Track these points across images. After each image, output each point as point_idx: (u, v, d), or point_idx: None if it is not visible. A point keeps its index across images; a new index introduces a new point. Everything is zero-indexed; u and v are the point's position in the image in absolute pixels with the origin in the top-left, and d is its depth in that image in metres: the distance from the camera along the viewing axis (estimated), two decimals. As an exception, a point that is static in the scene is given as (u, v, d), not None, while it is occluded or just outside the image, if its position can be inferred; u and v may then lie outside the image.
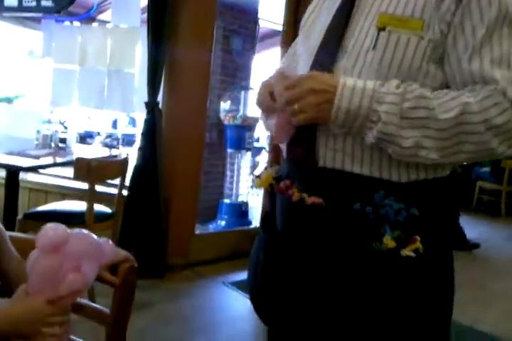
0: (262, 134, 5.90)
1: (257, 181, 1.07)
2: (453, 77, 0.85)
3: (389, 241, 0.82)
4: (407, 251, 0.83)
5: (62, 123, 4.02)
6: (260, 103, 0.99)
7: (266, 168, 1.10)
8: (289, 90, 0.85)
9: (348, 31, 0.91)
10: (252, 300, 1.09)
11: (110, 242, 0.92)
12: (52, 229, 0.82)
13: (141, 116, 3.20)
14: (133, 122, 7.22)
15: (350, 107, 0.82)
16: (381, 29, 0.86)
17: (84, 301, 1.11)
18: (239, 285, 3.07)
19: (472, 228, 5.19)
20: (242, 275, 3.29)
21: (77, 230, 0.87)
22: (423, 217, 0.85)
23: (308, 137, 0.91)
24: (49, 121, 3.34)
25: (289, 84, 0.85)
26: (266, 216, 1.08)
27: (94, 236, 0.88)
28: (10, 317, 0.83)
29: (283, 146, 1.02)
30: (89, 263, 0.87)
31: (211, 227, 4.35)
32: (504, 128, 0.79)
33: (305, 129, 0.91)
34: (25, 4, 2.82)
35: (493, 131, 0.79)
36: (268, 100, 0.93)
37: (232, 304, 2.90)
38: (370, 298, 0.86)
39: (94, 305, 1.10)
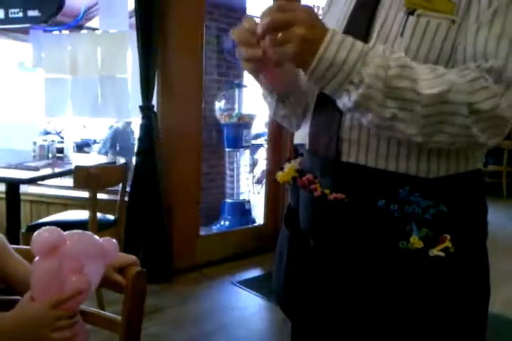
0: (260, 130, 5.87)
1: (279, 174, 1.02)
2: (455, 51, 0.79)
3: (416, 241, 0.78)
4: (435, 251, 0.78)
5: (58, 133, 4.01)
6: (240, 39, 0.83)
7: (289, 160, 1.04)
8: (278, 13, 0.72)
9: (376, 14, 0.84)
10: (278, 298, 1.07)
11: (113, 241, 0.91)
12: (46, 231, 0.81)
13: (136, 121, 3.18)
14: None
15: (335, 60, 0.72)
16: (410, 13, 0.79)
17: (95, 310, 1.10)
18: (248, 284, 3.07)
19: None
20: (250, 274, 3.29)
21: (75, 231, 0.86)
22: (452, 213, 0.80)
23: (330, 130, 0.87)
24: (45, 132, 3.33)
25: (280, 6, 0.72)
26: (289, 211, 1.04)
27: (94, 236, 0.87)
28: (16, 326, 0.82)
29: (304, 138, 0.98)
30: (91, 263, 0.85)
31: (215, 228, 4.35)
32: (488, 115, 0.72)
33: (327, 122, 0.88)
34: (11, 15, 2.79)
35: (476, 116, 0.72)
36: (246, 34, 0.80)
37: (243, 303, 2.89)
38: (397, 298, 0.82)
39: (105, 313, 1.09)
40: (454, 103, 0.72)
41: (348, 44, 0.73)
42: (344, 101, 0.76)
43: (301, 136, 1.02)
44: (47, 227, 0.82)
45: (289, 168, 1.01)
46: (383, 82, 0.72)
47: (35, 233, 0.80)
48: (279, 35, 0.72)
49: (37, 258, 0.81)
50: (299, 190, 0.96)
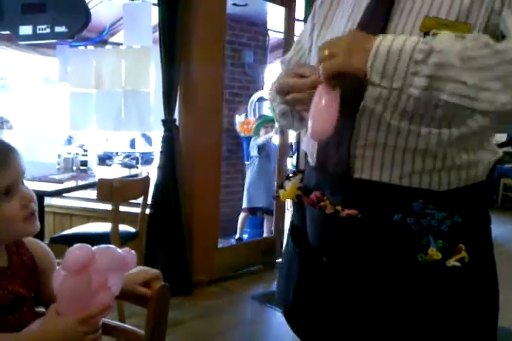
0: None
1: (282, 192, 1.02)
2: None
3: (434, 253, 0.79)
4: (452, 261, 0.79)
5: (81, 146, 4.08)
6: (284, 86, 0.85)
7: (289, 178, 1.05)
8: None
9: (386, 33, 0.81)
10: (287, 315, 1.06)
11: (132, 252, 0.92)
12: (78, 250, 0.82)
13: (158, 134, 3.22)
14: (148, 141, 7.30)
15: (392, 47, 0.70)
16: (426, 34, 0.78)
17: (118, 323, 1.10)
18: (268, 298, 3.04)
19: (499, 226, 5.08)
20: (270, 288, 3.26)
21: (101, 246, 0.87)
22: (466, 224, 0.81)
23: (341, 147, 0.86)
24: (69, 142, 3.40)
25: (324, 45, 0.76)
26: (295, 229, 1.04)
27: (118, 250, 0.88)
28: (47, 340, 0.83)
29: (309, 154, 0.98)
30: (114, 276, 0.87)
31: (234, 241, 4.34)
32: None
33: (337, 138, 0.87)
34: (39, 32, 2.86)
35: None
36: (294, 80, 0.83)
37: (263, 317, 2.87)
38: (416, 312, 0.83)
39: (128, 326, 1.09)
40: None
41: (402, 36, 0.72)
42: (415, 88, 0.72)
43: (307, 149, 1.01)
44: (79, 245, 0.83)
45: (291, 185, 1.01)
46: (456, 55, 0.68)
47: (68, 250, 0.81)
48: (325, 52, 0.74)
49: (62, 272, 0.82)
50: (303, 207, 0.96)
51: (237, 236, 4.21)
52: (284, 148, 3.80)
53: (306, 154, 1.02)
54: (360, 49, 0.72)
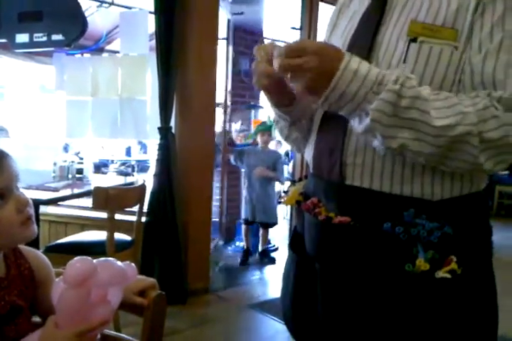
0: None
1: (284, 198, 1.03)
2: (463, 76, 0.80)
3: (422, 263, 0.78)
4: (442, 273, 0.78)
5: (77, 154, 4.07)
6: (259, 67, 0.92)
7: (294, 183, 1.06)
8: (289, 58, 0.77)
9: (377, 40, 0.85)
10: (285, 321, 1.07)
11: (133, 265, 0.92)
12: (79, 263, 0.81)
13: (153, 142, 3.21)
14: (144, 148, 7.30)
15: (345, 92, 0.75)
16: (412, 40, 0.80)
17: (114, 333, 1.09)
18: (264, 307, 3.03)
19: (494, 233, 5.06)
20: (266, 297, 3.25)
21: (102, 259, 0.87)
22: (458, 235, 0.80)
23: (334, 155, 0.88)
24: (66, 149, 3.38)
25: (290, 51, 0.77)
26: (295, 234, 1.04)
27: (118, 262, 0.88)
28: None
29: (308, 161, 0.99)
30: (114, 289, 0.86)
31: (230, 249, 4.32)
32: (497, 144, 0.74)
33: (330, 146, 0.88)
34: (36, 39, 2.87)
35: (484, 144, 0.73)
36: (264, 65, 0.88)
37: (259, 326, 2.85)
38: (405, 321, 0.81)
39: (125, 336, 1.08)
40: (464, 134, 0.73)
41: (361, 76, 0.75)
42: (355, 126, 0.80)
43: (306, 155, 1.03)
44: (80, 258, 0.82)
45: (293, 191, 1.02)
46: (392, 112, 0.74)
47: (68, 263, 0.81)
48: (288, 76, 0.78)
49: (62, 284, 0.81)
50: (303, 213, 0.96)
51: (244, 247, 4.14)
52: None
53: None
54: (320, 81, 0.76)
